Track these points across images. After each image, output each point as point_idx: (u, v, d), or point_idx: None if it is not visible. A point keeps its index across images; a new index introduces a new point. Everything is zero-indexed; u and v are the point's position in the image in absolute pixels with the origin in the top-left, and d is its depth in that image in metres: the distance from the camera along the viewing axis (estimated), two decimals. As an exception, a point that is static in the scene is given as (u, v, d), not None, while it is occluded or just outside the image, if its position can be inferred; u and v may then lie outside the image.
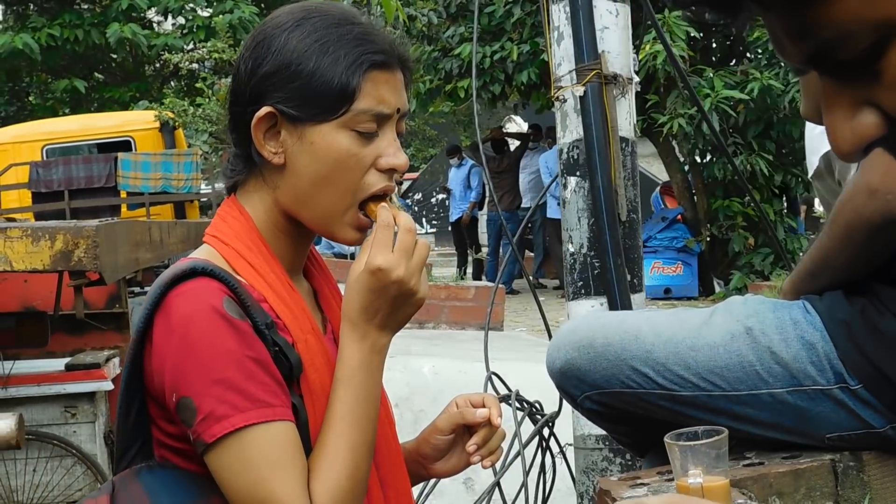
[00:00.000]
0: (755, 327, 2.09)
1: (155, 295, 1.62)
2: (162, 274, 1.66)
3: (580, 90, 3.15)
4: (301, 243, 1.81)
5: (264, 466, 1.56)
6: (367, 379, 1.69)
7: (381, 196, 1.73)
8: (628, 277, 3.17)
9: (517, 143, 17.59)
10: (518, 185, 16.39)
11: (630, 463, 3.13)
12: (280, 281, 1.73)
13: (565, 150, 3.27)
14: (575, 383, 2.29)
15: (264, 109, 1.68)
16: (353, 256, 17.98)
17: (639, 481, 1.98)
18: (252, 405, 1.56)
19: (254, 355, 1.59)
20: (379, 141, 1.71)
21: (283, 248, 1.77)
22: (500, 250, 16.44)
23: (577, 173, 3.22)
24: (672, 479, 1.78)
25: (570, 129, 3.25)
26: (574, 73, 3.17)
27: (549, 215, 14.90)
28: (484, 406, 1.89)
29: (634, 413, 2.24)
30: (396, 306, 1.70)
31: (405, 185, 28.59)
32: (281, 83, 1.68)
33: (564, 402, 3.46)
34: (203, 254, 1.73)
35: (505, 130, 17.58)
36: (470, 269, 17.54)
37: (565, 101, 3.24)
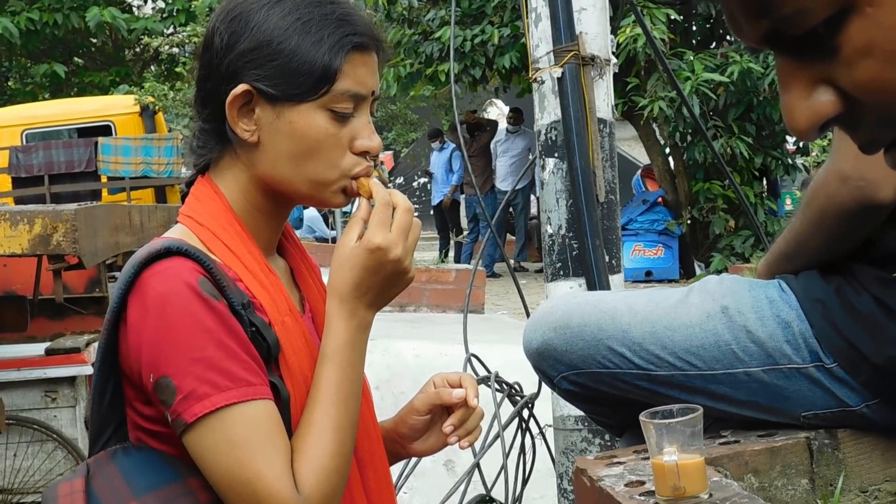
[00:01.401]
0: (731, 306, 2.09)
1: (129, 275, 1.61)
2: (135, 253, 1.64)
3: (558, 71, 3.14)
4: (277, 220, 1.80)
5: (248, 446, 1.55)
6: (353, 356, 1.69)
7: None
8: (607, 258, 3.17)
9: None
10: (490, 168, 16.43)
11: (609, 444, 3.14)
12: (256, 261, 1.72)
13: (543, 131, 3.27)
14: (551, 363, 2.29)
15: (241, 87, 1.67)
16: (334, 241, 17.97)
17: (615, 460, 1.98)
18: (233, 384, 1.55)
19: (232, 334, 1.58)
20: (354, 122, 1.71)
21: (258, 227, 1.76)
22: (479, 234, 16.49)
23: (556, 155, 3.22)
24: (648, 458, 1.79)
25: (548, 111, 3.25)
26: (552, 54, 3.17)
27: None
28: (461, 386, 1.89)
29: (611, 393, 2.24)
30: (388, 285, 1.71)
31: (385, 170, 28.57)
32: (260, 60, 1.67)
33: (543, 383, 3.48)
34: (177, 234, 1.72)
35: (476, 116, 17.55)
36: (451, 253, 17.54)
37: (543, 82, 3.24)
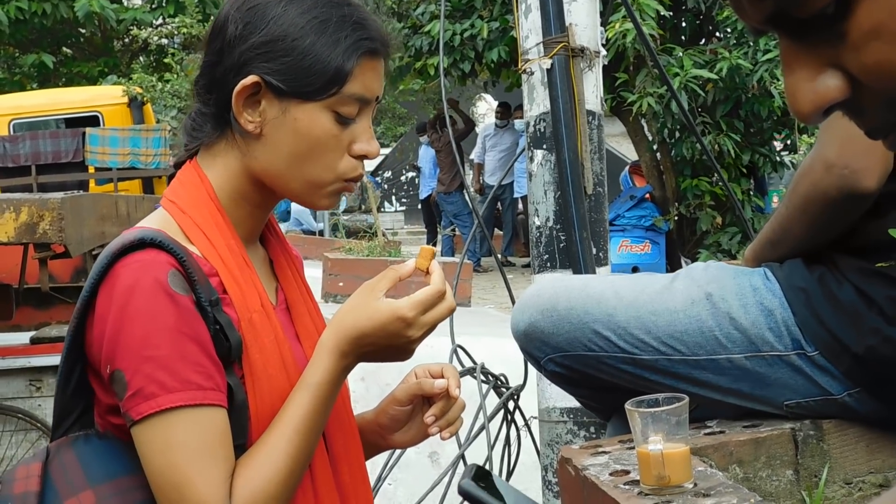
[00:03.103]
0: (715, 293, 2.10)
1: (102, 264, 1.60)
2: (111, 242, 1.63)
3: (547, 63, 3.15)
4: (261, 211, 1.80)
5: (185, 450, 1.54)
6: (330, 394, 1.69)
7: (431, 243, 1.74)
8: (594, 251, 3.18)
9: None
10: (457, 165, 16.37)
11: (594, 436, 3.14)
12: (233, 253, 1.71)
13: (532, 123, 3.27)
14: (538, 346, 2.30)
15: (251, 78, 1.66)
16: (321, 233, 17.96)
17: (600, 449, 1.99)
18: (181, 386, 1.55)
19: (192, 333, 1.57)
20: (355, 126, 1.72)
21: (241, 216, 1.76)
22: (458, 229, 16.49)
23: (544, 146, 3.23)
24: (633, 448, 1.79)
25: (536, 102, 3.25)
26: (541, 45, 3.17)
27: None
28: (442, 377, 1.89)
29: (597, 376, 2.25)
30: (387, 352, 1.72)
31: (376, 162, 28.53)
32: (273, 54, 1.66)
33: (529, 375, 3.48)
34: (158, 220, 1.71)
35: (450, 106, 17.46)
36: (439, 247, 17.56)
37: (532, 73, 3.24)
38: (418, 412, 1.93)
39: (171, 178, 1.81)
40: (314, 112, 1.68)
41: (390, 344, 1.70)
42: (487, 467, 3.38)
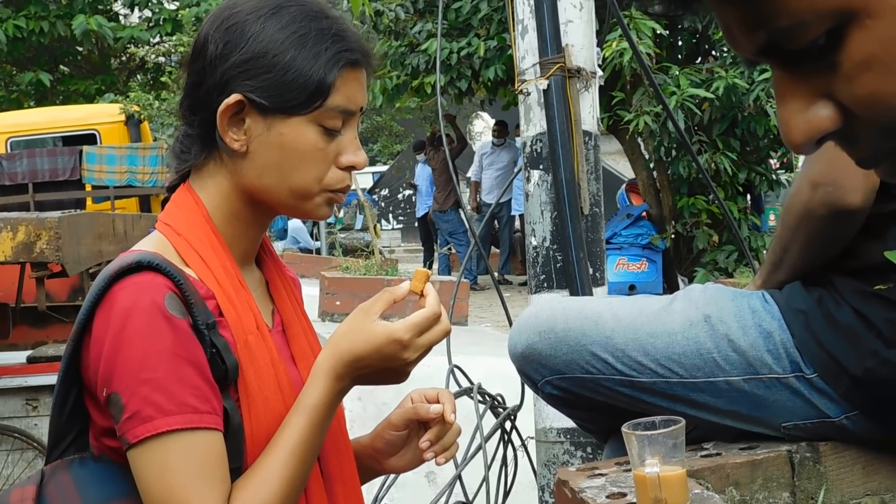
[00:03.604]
0: (713, 315, 2.10)
1: (99, 287, 1.60)
2: (108, 265, 1.63)
3: (544, 83, 3.15)
4: (255, 230, 1.80)
5: (182, 473, 1.54)
6: (325, 417, 1.69)
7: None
8: (590, 271, 3.18)
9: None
10: (452, 183, 16.37)
11: (591, 457, 3.14)
12: (228, 275, 1.71)
13: (529, 143, 3.28)
14: (536, 368, 2.30)
15: (234, 97, 1.66)
16: (318, 252, 17.95)
17: (597, 472, 1.98)
18: (178, 409, 1.54)
19: (189, 356, 1.57)
20: (341, 138, 1.72)
21: (236, 236, 1.76)
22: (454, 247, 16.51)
23: (541, 166, 3.23)
24: (630, 470, 1.79)
25: (533, 123, 3.26)
26: (538, 66, 3.18)
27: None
28: (438, 401, 1.88)
29: (595, 399, 2.25)
30: (383, 375, 1.72)
31: (367, 177, 28.54)
32: (255, 72, 1.66)
33: (526, 395, 3.48)
34: (153, 243, 1.71)
35: (447, 124, 17.50)
36: (436, 265, 17.55)
37: (529, 94, 3.25)
38: (414, 437, 1.92)
39: (165, 200, 1.81)
40: (299, 126, 1.68)
41: (386, 366, 1.70)
42: (484, 487, 3.37)
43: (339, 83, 1.68)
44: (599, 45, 3.36)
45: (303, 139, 1.68)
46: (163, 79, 17.17)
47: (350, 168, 1.74)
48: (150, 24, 21.07)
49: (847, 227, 2.02)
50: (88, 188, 13.87)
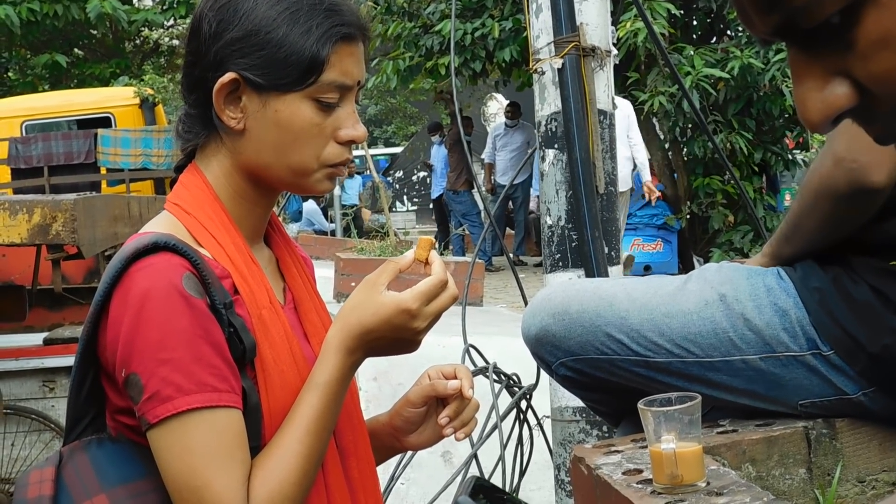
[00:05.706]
0: (729, 294, 2.09)
1: (115, 269, 1.60)
2: (123, 246, 1.64)
3: (558, 62, 3.15)
4: (262, 208, 1.80)
5: (204, 453, 1.55)
6: (339, 392, 1.69)
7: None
8: (606, 250, 3.18)
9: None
10: (463, 163, 16.40)
11: (607, 435, 3.14)
12: (240, 252, 1.72)
13: (543, 122, 3.27)
14: (550, 350, 2.29)
15: (228, 75, 1.67)
16: (333, 233, 17.96)
17: (613, 448, 1.98)
18: (198, 388, 1.55)
19: (207, 336, 1.57)
20: (339, 112, 1.72)
21: (243, 214, 1.76)
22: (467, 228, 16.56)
23: (556, 146, 3.22)
24: (646, 447, 1.79)
25: (548, 102, 3.25)
26: (552, 45, 3.17)
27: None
28: (456, 377, 1.89)
29: (609, 380, 2.24)
30: (395, 345, 1.73)
31: (382, 162, 28.54)
32: (248, 50, 1.66)
33: (542, 374, 3.48)
34: (164, 224, 1.72)
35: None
36: (451, 246, 17.56)
37: (543, 73, 3.24)
38: (432, 414, 1.93)
39: (173, 182, 1.81)
40: (294, 103, 1.68)
41: (397, 337, 1.70)
42: (500, 466, 3.38)
43: (333, 58, 1.68)
44: (614, 24, 3.35)
45: (299, 116, 1.68)
46: (177, 61, 17.20)
47: (350, 142, 1.74)
48: (164, 7, 21.09)
49: (867, 205, 2.00)
50: (103, 171, 13.93)
